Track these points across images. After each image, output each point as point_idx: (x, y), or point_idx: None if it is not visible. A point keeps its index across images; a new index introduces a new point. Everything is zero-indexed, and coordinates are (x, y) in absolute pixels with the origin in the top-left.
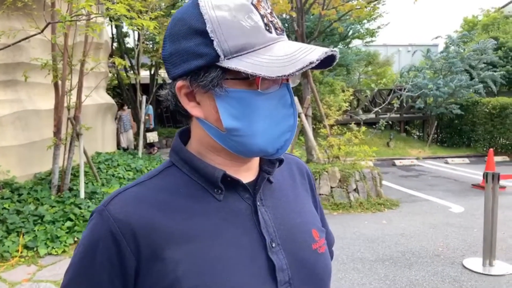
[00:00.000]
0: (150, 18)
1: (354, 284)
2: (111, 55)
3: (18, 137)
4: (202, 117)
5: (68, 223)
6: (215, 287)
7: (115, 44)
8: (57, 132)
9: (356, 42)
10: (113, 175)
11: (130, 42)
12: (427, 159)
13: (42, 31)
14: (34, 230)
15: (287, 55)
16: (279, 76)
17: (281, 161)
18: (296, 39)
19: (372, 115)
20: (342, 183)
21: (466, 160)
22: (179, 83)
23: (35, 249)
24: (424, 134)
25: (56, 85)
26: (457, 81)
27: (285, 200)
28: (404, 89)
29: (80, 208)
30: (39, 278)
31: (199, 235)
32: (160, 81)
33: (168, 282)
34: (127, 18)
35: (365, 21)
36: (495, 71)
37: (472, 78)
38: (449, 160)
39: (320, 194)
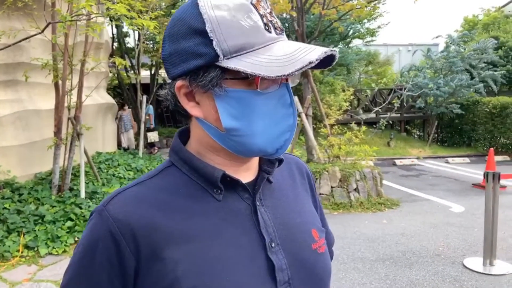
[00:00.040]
0: (150, 18)
1: (355, 284)
2: (111, 55)
3: (18, 137)
4: (202, 117)
5: (69, 223)
6: (214, 287)
7: (115, 44)
8: (57, 132)
9: (356, 42)
10: (113, 175)
11: (130, 42)
12: (427, 159)
13: (43, 31)
14: (35, 230)
15: (287, 55)
16: (278, 76)
17: (280, 161)
18: (296, 39)
19: (372, 115)
20: (342, 182)
21: (467, 160)
22: (179, 83)
23: (35, 249)
24: (424, 133)
25: (56, 85)
26: (457, 81)
27: (284, 200)
28: (405, 88)
29: (80, 208)
30: (39, 278)
31: (198, 235)
32: (160, 81)
33: (167, 282)
34: (127, 18)
35: (365, 20)
36: (495, 71)
37: (472, 78)
38: (450, 159)
39: (320, 194)
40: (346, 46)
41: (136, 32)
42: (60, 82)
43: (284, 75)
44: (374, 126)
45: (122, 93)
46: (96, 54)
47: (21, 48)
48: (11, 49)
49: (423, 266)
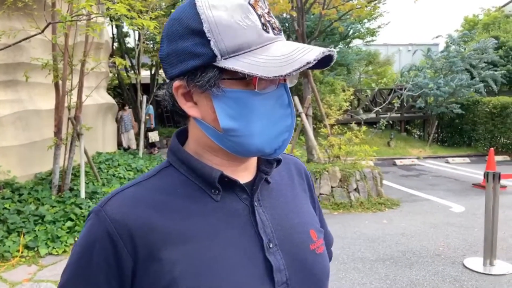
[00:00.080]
0: (151, 18)
1: (355, 284)
2: (111, 55)
3: (18, 137)
4: (199, 117)
5: (69, 223)
6: None
7: (115, 44)
8: (57, 132)
9: (356, 42)
10: (113, 175)
11: (130, 42)
12: (427, 159)
13: (43, 31)
14: (35, 230)
15: (284, 55)
16: (276, 76)
17: (279, 161)
18: (296, 39)
19: (372, 115)
20: (342, 182)
21: (467, 160)
22: (176, 83)
23: (35, 249)
24: (424, 133)
25: (56, 85)
26: (457, 81)
27: (283, 201)
28: (405, 88)
29: (80, 208)
30: (39, 278)
31: (196, 235)
32: (160, 81)
33: (165, 283)
34: (128, 18)
35: (365, 20)
36: (495, 71)
37: (472, 78)
38: (450, 159)
39: (320, 194)
40: (346, 46)
41: (136, 32)
42: (60, 82)
43: (281, 76)
44: (374, 126)
45: (122, 93)
46: (96, 54)
47: (21, 48)
48: (11, 49)
49: (423, 266)
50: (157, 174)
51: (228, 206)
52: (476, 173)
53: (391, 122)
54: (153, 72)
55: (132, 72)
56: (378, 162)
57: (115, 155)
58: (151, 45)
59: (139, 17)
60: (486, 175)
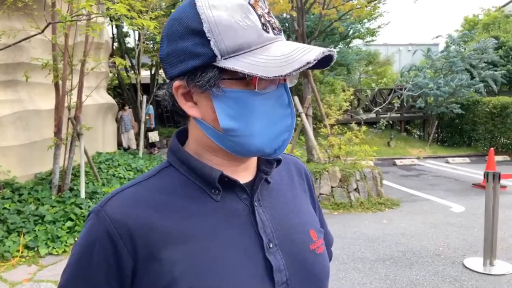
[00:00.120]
0: (151, 18)
1: (355, 284)
2: (111, 55)
3: (18, 137)
4: (199, 117)
5: (69, 223)
6: None
7: (115, 44)
8: (57, 132)
9: (356, 42)
10: (113, 175)
11: (130, 42)
12: (427, 159)
13: (43, 31)
14: (35, 230)
15: (284, 55)
16: (276, 76)
17: (279, 161)
18: (296, 39)
19: (372, 115)
20: (342, 182)
21: (467, 160)
22: (176, 83)
23: (35, 249)
24: (424, 133)
25: (56, 85)
26: (457, 81)
27: (283, 201)
28: (405, 88)
29: (80, 208)
30: (39, 278)
31: (196, 235)
32: (160, 81)
33: (165, 283)
34: (128, 18)
35: (365, 20)
36: (495, 70)
37: (472, 78)
38: (450, 159)
39: (320, 194)
40: (346, 46)
41: (136, 32)
42: (60, 82)
43: (281, 76)
44: (374, 126)
45: (122, 93)
46: (96, 54)
47: (21, 48)
48: (11, 49)
49: (423, 266)
50: (157, 174)
51: (228, 206)
52: (476, 173)
53: (391, 122)
54: (153, 72)
55: (132, 72)
56: (378, 162)
57: (115, 155)
58: (151, 45)
59: (139, 17)
60: (486, 175)
